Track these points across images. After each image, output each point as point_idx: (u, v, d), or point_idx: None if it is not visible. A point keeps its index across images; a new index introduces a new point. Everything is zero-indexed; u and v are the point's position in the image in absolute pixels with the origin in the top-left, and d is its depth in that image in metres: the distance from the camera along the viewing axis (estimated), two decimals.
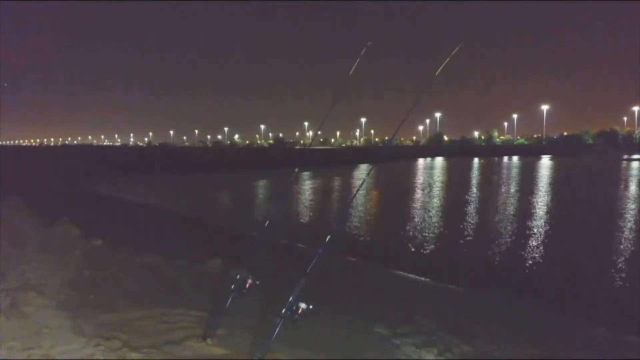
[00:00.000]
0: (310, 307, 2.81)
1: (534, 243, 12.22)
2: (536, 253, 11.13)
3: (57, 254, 6.56)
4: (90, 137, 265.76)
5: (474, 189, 28.59)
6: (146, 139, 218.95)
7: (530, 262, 10.30)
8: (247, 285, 3.25)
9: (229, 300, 3.31)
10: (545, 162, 63.37)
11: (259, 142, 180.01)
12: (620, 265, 10.10)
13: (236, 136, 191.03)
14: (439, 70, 3.34)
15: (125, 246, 7.81)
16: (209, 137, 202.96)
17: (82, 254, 6.77)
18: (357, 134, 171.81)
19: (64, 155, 57.11)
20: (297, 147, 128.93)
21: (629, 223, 15.35)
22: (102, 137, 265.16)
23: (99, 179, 30.06)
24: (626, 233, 13.67)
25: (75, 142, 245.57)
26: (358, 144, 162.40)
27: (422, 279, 8.55)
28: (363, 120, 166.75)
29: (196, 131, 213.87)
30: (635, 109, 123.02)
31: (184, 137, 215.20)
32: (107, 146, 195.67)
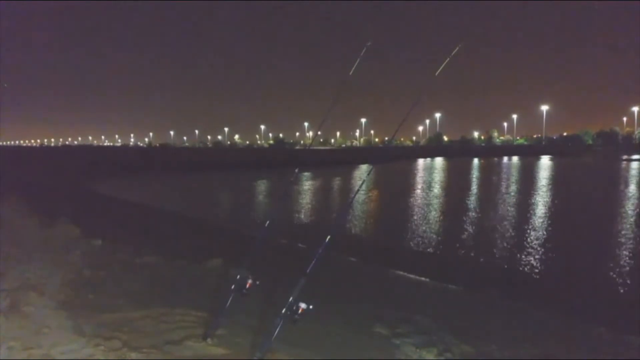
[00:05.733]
0: (310, 307, 2.81)
1: (534, 243, 12.22)
2: (536, 253, 11.13)
3: (57, 254, 6.57)
4: (90, 138, 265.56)
5: (474, 190, 28.60)
6: (146, 139, 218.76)
7: (530, 262, 10.30)
8: (247, 285, 3.25)
9: (229, 300, 3.32)
10: (545, 162, 63.37)
11: (259, 142, 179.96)
12: (620, 265, 10.10)
13: (236, 136, 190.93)
14: (439, 71, 3.35)
15: (125, 246, 7.81)
16: (209, 137, 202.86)
17: (82, 254, 6.78)
18: (357, 134, 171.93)
19: (64, 156, 57.12)
20: (297, 147, 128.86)
21: (629, 223, 15.35)
22: (103, 137, 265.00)
23: (99, 179, 30.06)
24: (626, 233, 13.67)
25: (75, 142, 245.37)
26: (358, 144, 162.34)
27: (422, 279, 8.55)
28: (363, 120, 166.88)
29: (196, 131, 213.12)
30: (635, 109, 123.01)
31: (184, 138, 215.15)
32: (107, 146, 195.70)
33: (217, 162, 51.30)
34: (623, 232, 13.81)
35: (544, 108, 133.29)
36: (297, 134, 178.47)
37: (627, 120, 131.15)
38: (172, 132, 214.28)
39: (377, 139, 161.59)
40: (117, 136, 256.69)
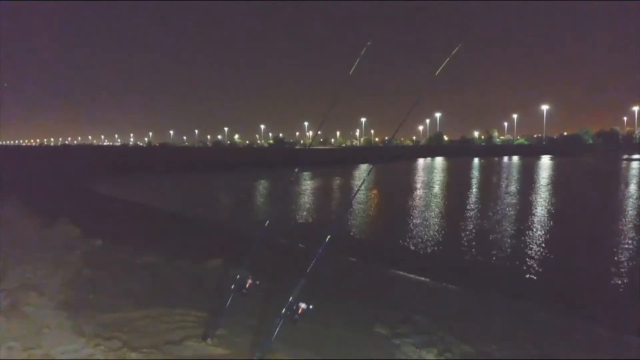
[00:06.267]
0: (310, 307, 2.81)
1: (534, 243, 12.22)
2: (536, 253, 11.13)
3: (57, 254, 6.57)
4: (90, 137, 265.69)
5: (474, 190, 28.60)
6: (146, 139, 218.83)
7: (530, 262, 10.30)
8: (247, 285, 3.25)
9: (229, 300, 3.32)
10: (545, 162, 63.37)
11: (259, 142, 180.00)
12: (620, 265, 10.10)
13: (236, 136, 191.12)
14: (439, 70, 3.35)
15: (125, 246, 7.81)
16: (209, 137, 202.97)
17: (82, 254, 6.78)
18: (357, 133, 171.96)
19: (63, 156, 57.13)
20: (297, 147, 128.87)
21: (629, 223, 15.35)
22: (102, 137, 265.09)
23: (98, 179, 30.06)
24: (626, 233, 13.66)
25: (75, 142, 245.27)
26: (358, 144, 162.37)
27: (422, 279, 8.55)
28: (363, 120, 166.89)
29: (196, 131, 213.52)
30: (635, 109, 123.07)
31: (184, 137, 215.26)
32: (106, 146, 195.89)
33: (217, 161, 51.28)
34: (623, 232, 13.80)
35: (544, 108, 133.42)
36: (297, 133, 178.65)
37: (627, 120, 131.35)
38: (171, 132, 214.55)
39: (377, 139, 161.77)
40: (116, 136, 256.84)
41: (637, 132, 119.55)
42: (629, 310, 7.30)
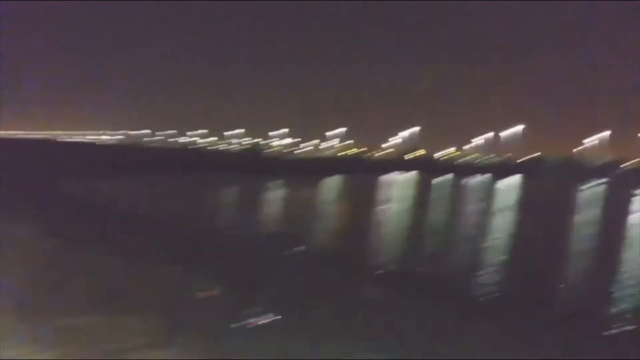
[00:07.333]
0: (272, 318, 2.83)
1: (499, 259, 12.47)
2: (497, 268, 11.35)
3: (12, 254, 6.36)
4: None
5: (439, 206, 29.11)
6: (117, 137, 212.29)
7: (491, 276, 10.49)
8: (208, 294, 3.24)
9: (189, 308, 3.30)
10: (512, 182, 65.11)
11: (230, 146, 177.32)
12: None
13: (209, 139, 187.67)
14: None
15: (85, 248, 7.62)
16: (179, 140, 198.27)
17: (39, 254, 6.59)
18: (333, 143, 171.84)
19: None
20: (271, 154, 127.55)
21: (580, 242, 15.89)
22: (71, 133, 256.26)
23: (63, 180, 29.07)
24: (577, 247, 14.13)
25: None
26: (335, 154, 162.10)
27: (387, 290, 8.59)
28: (338, 131, 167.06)
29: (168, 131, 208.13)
30: (598, 135, 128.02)
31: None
32: (75, 142, 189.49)
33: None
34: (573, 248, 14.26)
35: (514, 129, 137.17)
36: (275, 141, 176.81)
37: (588, 146, 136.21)
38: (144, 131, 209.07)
39: (355, 149, 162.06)
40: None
41: (598, 158, 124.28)
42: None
